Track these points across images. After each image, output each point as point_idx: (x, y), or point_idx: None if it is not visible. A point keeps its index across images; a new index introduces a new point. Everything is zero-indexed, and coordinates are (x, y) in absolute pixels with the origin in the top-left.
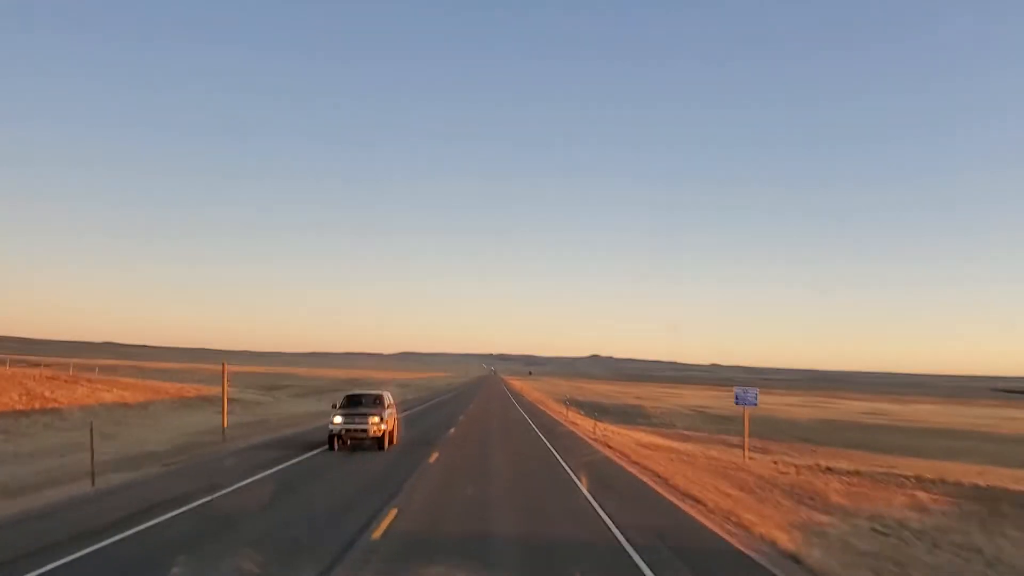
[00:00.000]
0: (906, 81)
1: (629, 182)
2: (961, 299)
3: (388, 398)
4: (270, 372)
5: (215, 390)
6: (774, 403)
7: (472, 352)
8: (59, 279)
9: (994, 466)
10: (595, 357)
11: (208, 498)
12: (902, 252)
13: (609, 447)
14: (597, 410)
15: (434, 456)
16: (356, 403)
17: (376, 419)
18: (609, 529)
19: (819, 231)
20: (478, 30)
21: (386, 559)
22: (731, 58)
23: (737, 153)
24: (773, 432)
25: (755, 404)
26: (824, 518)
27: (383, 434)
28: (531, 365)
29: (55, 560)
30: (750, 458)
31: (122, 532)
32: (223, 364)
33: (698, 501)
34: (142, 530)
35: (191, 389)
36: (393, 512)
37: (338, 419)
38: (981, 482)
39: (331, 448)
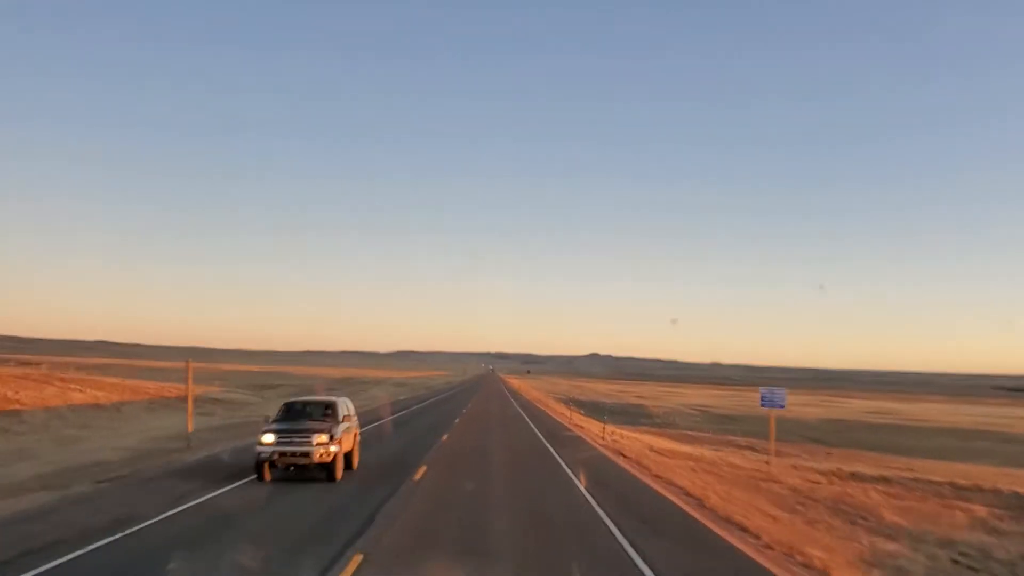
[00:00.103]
0: (907, 78)
1: (628, 180)
2: (962, 297)
3: (344, 407)
4: (263, 371)
5: (199, 390)
6: None
7: (470, 351)
8: (53, 278)
9: (1013, 468)
10: (594, 356)
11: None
12: (904, 250)
13: (623, 455)
14: (599, 410)
15: (421, 472)
16: (298, 415)
17: (323, 437)
18: None
19: (819, 228)
20: (476, 29)
21: None
22: (731, 56)
23: (737, 151)
24: (781, 433)
25: (783, 406)
26: (892, 546)
27: (333, 459)
28: (529, 364)
29: None
30: (766, 462)
31: None
32: (187, 363)
33: (745, 530)
34: None
35: (173, 389)
36: None
37: (268, 437)
38: (1020, 489)
39: (259, 478)
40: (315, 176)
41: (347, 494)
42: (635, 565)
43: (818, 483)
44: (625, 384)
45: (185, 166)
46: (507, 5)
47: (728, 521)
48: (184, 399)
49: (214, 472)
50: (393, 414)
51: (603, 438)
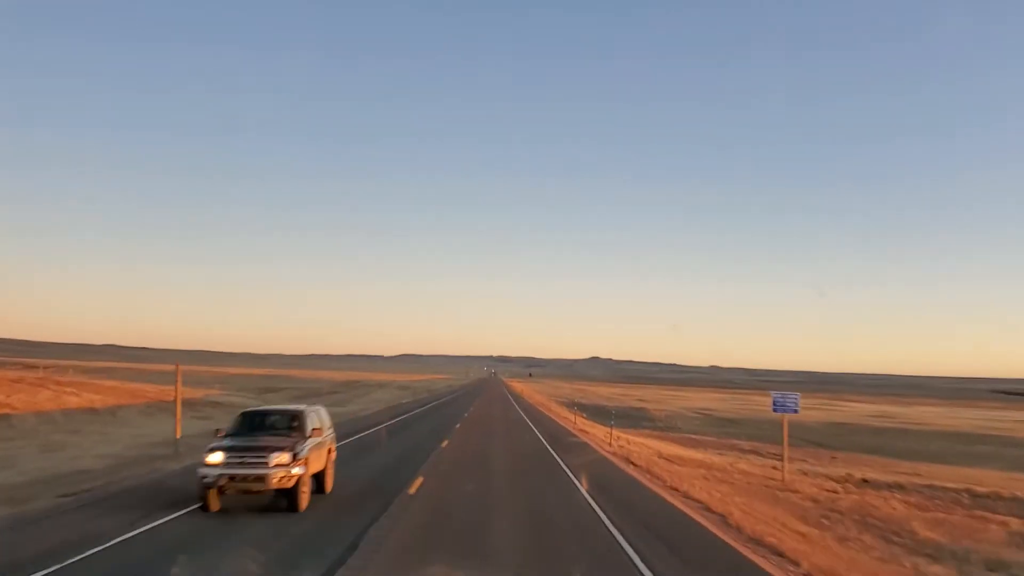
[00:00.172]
0: (906, 79)
1: (629, 182)
2: (957, 300)
3: (316, 418)
4: (267, 374)
5: (200, 393)
6: None
7: (472, 354)
8: (61, 281)
9: (1019, 472)
10: (595, 359)
11: None
12: (901, 253)
13: (632, 463)
14: (602, 413)
15: (417, 484)
16: (256, 428)
17: (284, 457)
18: None
19: (818, 231)
20: (477, 29)
21: None
22: (731, 57)
23: (737, 153)
24: (781, 435)
25: (796, 411)
26: (937, 568)
27: (296, 483)
28: (531, 367)
29: None
30: (773, 467)
31: None
32: (176, 365)
33: (782, 554)
34: None
35: (173, 392)
36: None
37: (215, 456)
38: None
39: (203, 507)
40: (317, 177)
41: (316, 524)
42: None
43: (835, 492)
44: (626, 387)
45: (186, 167)
46: (507, 5)
47: (759, 543)
48: (184, 403)
49: (182, 490)
50: (394, 418)
51: (610, 444)
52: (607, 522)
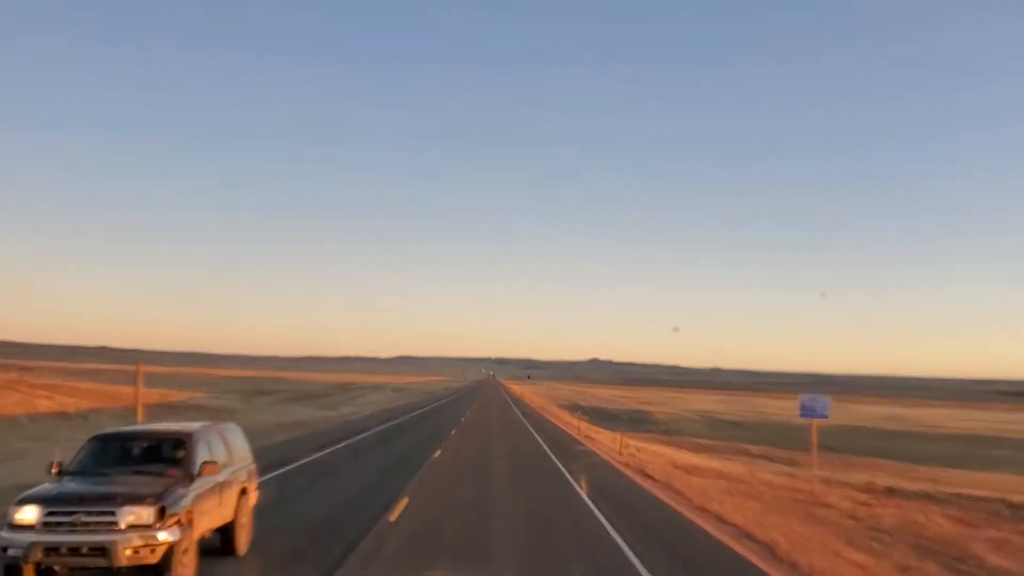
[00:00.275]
0: (908, 82)
1: (628, 184)
2: (960, 301)
3: (216, 446)
4: (260, 376)
5: (184, 395)
6: (783, 407)
7: (470, 356)
8: (54, 283)
9: None
10: (594, 361)
11: None
12: (903, 255)
13: (648, 476)
14: (606, 417)
15: (400, 507)
16: (111, 461)
17: (144, 513)
18: None
19: (819, 234)
20: (474, 31)
21: None
22: (731, 60)
23: (738, 155)
24: (791, 440)
25: (826, 416)
26: None
27: (165, 555)
28: (530, 369)
29: None
30: (790, 475)
31: None
32: (138, 366)
33: None
34: None
35: (155, 395)
36: None
37: (27, 513)
38: None
39: None
40: (312, 179)
41: None
42: None
43: (869, 505)
44: (626, 390)
45: (182, 169)
46: (505, 9)
47: None
48: (165, 406)
49: None
50: (385, 423)
51: (620, 453)
52: (636, 563)
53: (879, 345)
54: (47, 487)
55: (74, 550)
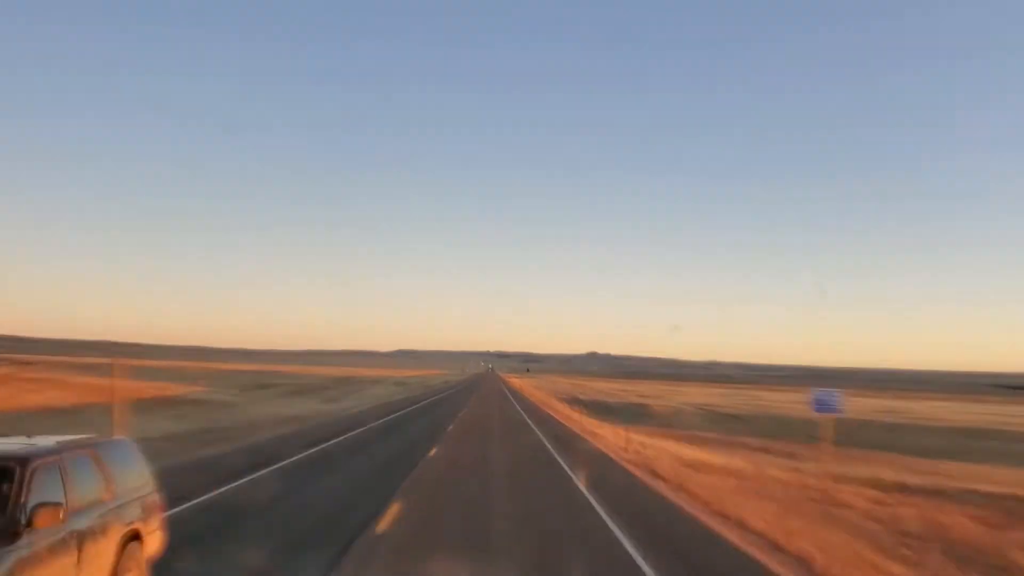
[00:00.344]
0: (908, 77)
1: (626, 178)
2: (956, 295)
3: (71, 476)
4: (260, 370)
5: (181, 390)
6: (781, 400)
7: (470, 349)
8: (55, 277)
9: None
10: (593, 354)
11: None
12: (901, 249)
13: (657, 475)
14: (605, 410)
15: (390, 516)
16: None
17: None
18: None
19: (817, 227)
20: (476, 23)
21: None
22: (729, 54)
23: (734, 146)
24: (787, 431)
25: (840, 411)
26: None
27: None
28: (529, 362)
29: None
30: (796, 469)
31: None
32: (113, 361)
33: None
34: None
35: (152, 388)
36: None
37: None
38: None
39: None
40: (313, 173)
41: None
42: None
43: (886, 504)
44: (624, 383)
45: (182, 163)
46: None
47: None
48: (161, 400)
49: None
50: (382, 417)
51: (625, 449)
52: None
53: (875, 338)
54: None
55: None
